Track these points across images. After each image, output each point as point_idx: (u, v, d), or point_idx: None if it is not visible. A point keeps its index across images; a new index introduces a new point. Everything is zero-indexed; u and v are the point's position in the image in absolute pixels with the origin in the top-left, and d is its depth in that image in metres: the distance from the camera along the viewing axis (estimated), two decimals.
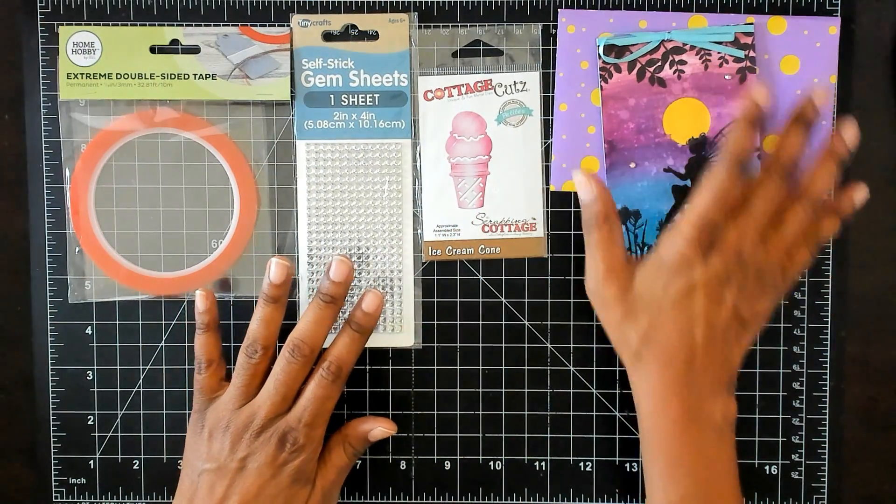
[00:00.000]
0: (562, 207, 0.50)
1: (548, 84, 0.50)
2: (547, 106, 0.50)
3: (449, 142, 0.50)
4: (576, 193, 0.50)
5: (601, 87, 0.49)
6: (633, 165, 0.49)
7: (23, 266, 0.51)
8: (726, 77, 0.49)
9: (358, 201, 0.50)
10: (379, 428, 0.48)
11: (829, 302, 0.50)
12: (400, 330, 0.51)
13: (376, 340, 0.51)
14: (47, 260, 0.50)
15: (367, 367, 0.51)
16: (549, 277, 0.51)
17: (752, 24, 0.48)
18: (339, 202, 0.50)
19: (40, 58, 0.50)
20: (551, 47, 0.50)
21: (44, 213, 0.50)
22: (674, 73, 0.49)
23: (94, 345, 0.51)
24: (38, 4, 0.50)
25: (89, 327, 0.51)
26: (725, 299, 0.44)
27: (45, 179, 0.50)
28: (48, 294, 0.51)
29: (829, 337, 0.51)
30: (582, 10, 0.49)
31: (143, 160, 0.50)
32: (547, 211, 0.50)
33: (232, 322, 0.51)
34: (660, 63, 0.49)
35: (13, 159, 0.51)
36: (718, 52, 0.48)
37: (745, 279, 0.44)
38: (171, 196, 0.50)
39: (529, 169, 0.50)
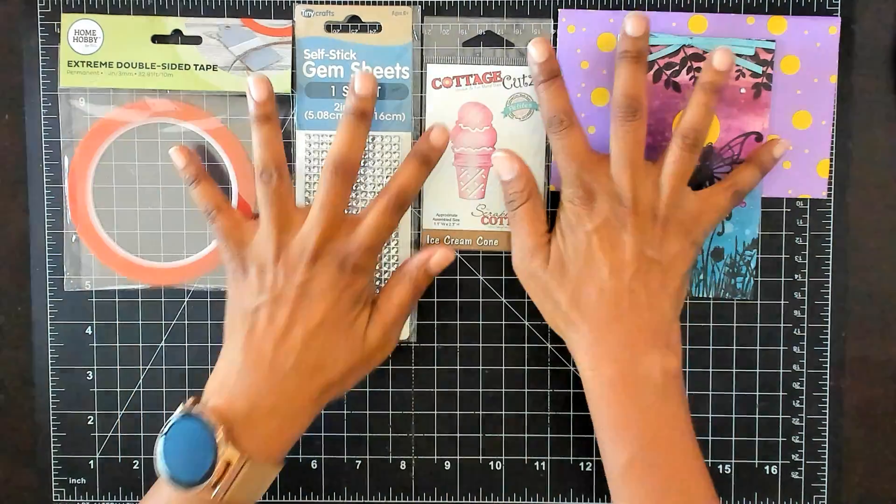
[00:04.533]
0: None
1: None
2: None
3: (454, 131, 0.50)
4: None
5: None
6: None
7: (23, 266, 0.51)
8: (741, 90, 0.49)
9: (357, 194, 0.50)
10: (437, 254, 0.48)
11: (829, 302, 0.50)
12: None
13: None
14: (47, 260, 0.50)
15: None
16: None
17: (773, 41, 0.48)
18: None
19: (40, 58, 0.50)
20: (556, 23, 0.50)
21: (44, 212, 0.50)
22: (690, 79, 0.48)
23: (94, 345, 0.51)
24: (39, 4, 0.50)
25: (89, 327, 0.51)
26: (623, 241, 0.45)
27: (45, 179, 0.50)
28: (48, 294, 0.51)
29: (829, 337, 0.51)
30: (582, 9, 0.49)
31: (142, 150, 0.50)
32: (548, 211, 0.50)
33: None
34: (677, 67, 0.49)
35: (13, 159, 0.51)
36: (737, 65, 0.48)
37: (641, 220, 0.44)
38: (169, 189, 0.50)
39: (533, 164, 0.50)
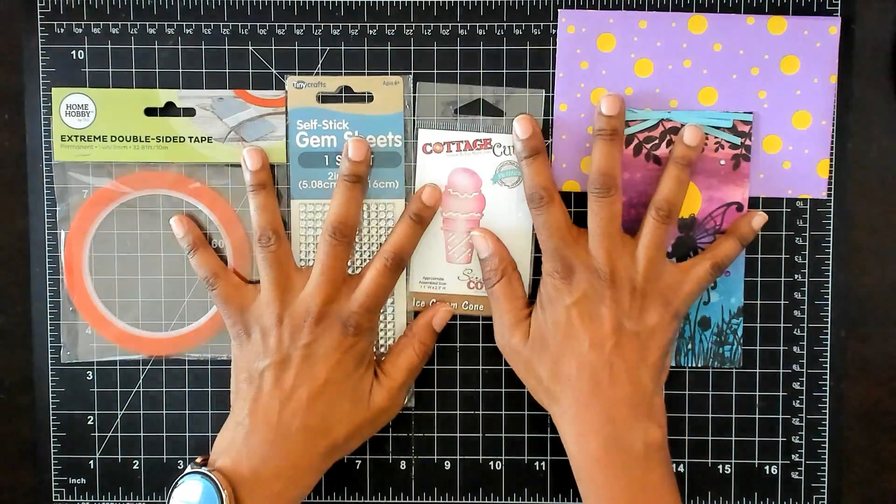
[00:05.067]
0: None
1: (549, 157, 0.50)
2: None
3: (443, 196, 0.50)
4: (575, 194, 0.50)
5: None
6: None
7: (23, 266, 0.51)
8: (721, 162, 0.49)
9: (352, 261, 0.50)
10: (439, 312, 0.49)
11: (829, 302, 0.50)
12: None
13: None
14: (47, 260, 0.50)
15: None
16: None
17: (751, 112, 0.49)
18: None
19: (40, 57, 0.50)
20: (550, 117, 0.50)
21: (44, 213, 0.50)
22: (670, 152, 0.49)
23: (94, 345, 0.51)
24: (38, 4, 0.50)
25: (89, 327, 0.51)
26: (602, 314, 0.45)
27: (44, 179, 0.50)
28: (48, 294, 0.51)
29: (829, 337, 0.51)
30: (582, 10, 0.49)
31: (141, 220, 0.50)
32: (533, 279, 0.50)
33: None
34: (657, 141, 0.49)
35: (13, 159, 0.51)
36: (716, 137, 0.49)
37: (618, 292, 0.45)
38: (169, 256, 0.50)
39: (520, 231, 0.50)
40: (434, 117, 0.50)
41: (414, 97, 0.50)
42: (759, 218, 0.48)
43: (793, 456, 0.51)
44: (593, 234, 0.46)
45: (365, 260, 0.50)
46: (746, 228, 0.48)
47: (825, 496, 0.51)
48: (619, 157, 0.47)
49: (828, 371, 0.51)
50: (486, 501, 0.51)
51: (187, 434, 0.51)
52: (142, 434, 0.51)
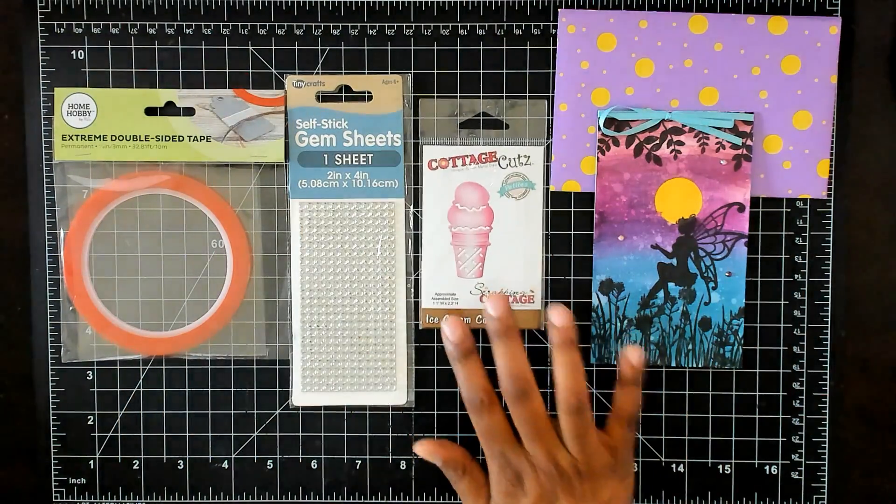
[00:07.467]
0: (561, 207, 0.50)
1: (549, 157, 0.50)
2: (548, 179, 0.50)
3: (451, 211, 0.50)
4: (576, 194, 0.50)
5: (598, 158, 0.49)
6: (621, 238, 0.50)
7: (23, 266, 0.51)
8: (721, 162, 0.49)
9: (351, 260, 0.50)
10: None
11: (829, 302, 0.50)
12: (393, 387, 0.51)
13: (368, 398, 0.51)
14: (47, 260, 0.50)
15: None
16: (548, 277, 0.51)
17: (752, 113, 0.49)
18: (332, 261, 0.50)
19: (40, 58, 0.50)
20: (551, 117, 0.49)
21: (44, 213, 0.50)
22: (671, 152, 0.49)
23: (94, 344, 0.51)
24: (39, 4, 0.50)
25: (89, 327, 0.51)
26: None
27: (44, 179, 0.50)
28: (48, 294, 0.51)
29: (829, 337, 0.51)
30: (582, 9, 0.49)
31: (141, 219, 0.50)
32: (546, 279, 0.50)
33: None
34: (658, 141, 0.49)
35: (13, 159, 0.51)
36: (717, 137, 0.49)
37: (568, 483, 0.45)
38: (169, 255, 0.50)
39: (530, 242, 0.50)
40: (436, 137, 0.50)
41: (415, 97, 0.50)
42: (633, 352, 0.47)
43: (793, 456, 0.51)
44: (526, 437, 0.45)
45: (367, 261, 0.50)
46: (626, 368, 0.47)
47: (825, 496, 0.51)
48: (522, 353, 0.45)
49: (828, 371, 0.51)
50: None
51: (187, 434, 0.51)
52: (142, 434, 0.51)
